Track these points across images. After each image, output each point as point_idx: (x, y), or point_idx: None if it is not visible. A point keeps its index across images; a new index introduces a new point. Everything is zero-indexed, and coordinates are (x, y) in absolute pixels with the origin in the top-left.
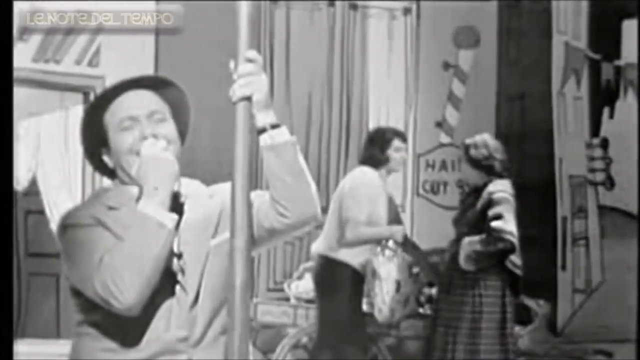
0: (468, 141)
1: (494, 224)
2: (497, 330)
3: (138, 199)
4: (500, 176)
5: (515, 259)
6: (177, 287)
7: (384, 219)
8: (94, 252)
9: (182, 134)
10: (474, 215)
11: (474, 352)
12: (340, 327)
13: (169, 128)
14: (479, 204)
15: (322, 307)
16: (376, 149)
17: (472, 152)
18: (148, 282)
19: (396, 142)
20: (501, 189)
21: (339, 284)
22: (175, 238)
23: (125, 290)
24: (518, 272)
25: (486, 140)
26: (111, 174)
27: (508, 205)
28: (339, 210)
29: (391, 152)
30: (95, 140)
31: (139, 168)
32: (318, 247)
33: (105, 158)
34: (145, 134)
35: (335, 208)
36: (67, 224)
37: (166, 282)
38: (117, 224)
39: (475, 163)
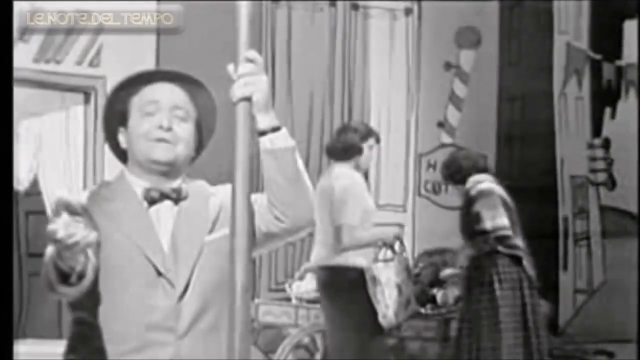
0: (443, 171)
1: (475, 227)
2: (517, 324)
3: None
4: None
5: (513, 241)
6: (163, 280)
7: (375, 211)
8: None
9: (205, 140)
10: (460, 218)
11: (495, 348)
12: (359, 333)
13: (186, 129)
14: (461, 206)
15: (334, 317)
16: (355, 138)
17: (445, 172)
18: None
19: (371, 140)
20: (477, 179)
21: (349, 288)
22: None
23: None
24: (518, 253)
25: (453, 155)
26: (122, 155)
27: (484, 198)
28: (329, 217)
29: (365, 146)
30: (116, 117)
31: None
32: (317, 259)
33: (121, 137)
34: (163, 124)
35: (325, 216)
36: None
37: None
38: (105, 215)
39: (452, 179)
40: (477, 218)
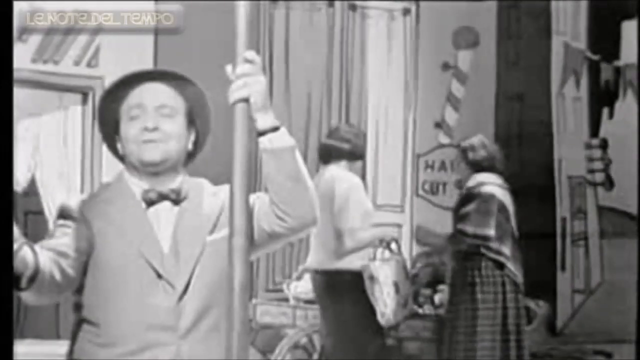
0: (465, 144)
1: (458, 225)
2: (495, 327)
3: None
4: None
5: (497, 246)
6: (163, 281)
7: (373, 212)
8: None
9: (201, 132)
10: (453, 213)
11: (470, 349)
12: (359, 333)
13: (175, 125)
14: (457, 200)
15: (334, 319)
16: (363, 142)
17: (471, 154)
18: None
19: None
20: (481, 180)
21: (349, 290)
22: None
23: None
24: (500, 258)
25: (483, 141)
26: (122, 157)
27: (480, 202)
28: (329, 220)
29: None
30: (110, 126)
31: None
32: (316, 262)
33: (119, 145)
34: (147, 125)
35: (324, 219)
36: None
37: (152, 282)
38: (103, 217)
39: (475, 165)
40: (465, 217)
